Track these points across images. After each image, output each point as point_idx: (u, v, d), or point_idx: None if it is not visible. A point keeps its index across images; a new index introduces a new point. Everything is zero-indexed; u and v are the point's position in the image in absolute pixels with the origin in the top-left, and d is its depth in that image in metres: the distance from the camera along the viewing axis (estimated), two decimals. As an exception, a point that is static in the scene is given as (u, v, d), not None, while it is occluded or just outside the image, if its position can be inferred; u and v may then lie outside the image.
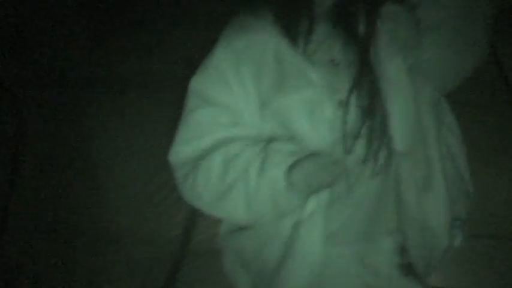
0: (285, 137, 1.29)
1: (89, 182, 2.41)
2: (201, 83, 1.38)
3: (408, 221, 1.28)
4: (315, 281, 1.29)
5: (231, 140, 1.31)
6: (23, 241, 2.27)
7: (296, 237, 1.27)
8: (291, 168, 1.20)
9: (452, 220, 1.44)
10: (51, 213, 2.30)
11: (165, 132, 2.63)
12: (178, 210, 2.49)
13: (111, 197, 2.42)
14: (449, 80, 1.39)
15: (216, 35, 2.43)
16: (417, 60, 1.22)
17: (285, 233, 1.32)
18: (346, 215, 1.32)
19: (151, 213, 2.47)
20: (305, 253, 1.25)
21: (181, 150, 1.47)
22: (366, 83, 1.22)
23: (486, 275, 2.26)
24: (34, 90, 2.38)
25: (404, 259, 1.39)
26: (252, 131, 1.33)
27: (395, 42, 1.20)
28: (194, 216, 2.51)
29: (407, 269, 1.39)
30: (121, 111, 2.51)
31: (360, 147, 1.27)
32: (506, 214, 2.24)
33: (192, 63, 2.64)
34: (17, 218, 2.31)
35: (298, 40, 1.27)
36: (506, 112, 2.24)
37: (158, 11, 2.44)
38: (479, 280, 2.30)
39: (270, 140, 1.29)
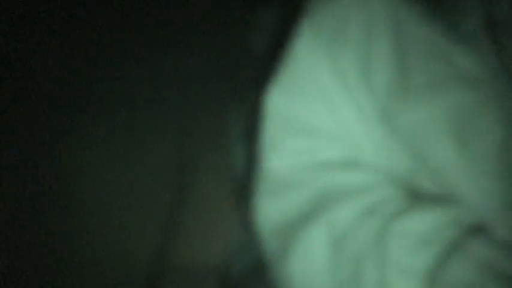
0: (423, 182, 0.74)
1: (60, 200, 2.34)
2: (282, 102, 0.84)
3: None
4: None
5: (339, 194, 0.79)
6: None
7: None
8: (430, 274, 0.68)
9: None
10: (22, 232, 2.24)
11: (135, 152, 2.62)
12: (152, 228, 2.43)
13: (83, 216, 2.34)
14: None
15: (181, 54, 2.50)
16: None
17: None
18: None
19: (124, 232, 2.42)
20: None
21: (268, 206, 0.88)
22: None
23: None
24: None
25: None
26: (371, 170, 0.80)
27: None
28: (168, 234, 2.48)
29: None
30: (90, 131, 2.46)
31: None
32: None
33: (158, 84, 2.69)
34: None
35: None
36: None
37: (123, 32, 2.44)
38: None
39: (397, 202, 0.74)
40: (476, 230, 0.65)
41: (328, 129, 0.79)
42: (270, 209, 0.85)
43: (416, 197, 0.71)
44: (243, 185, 1.01)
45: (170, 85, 2.44)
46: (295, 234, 0.78)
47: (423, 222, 0.67)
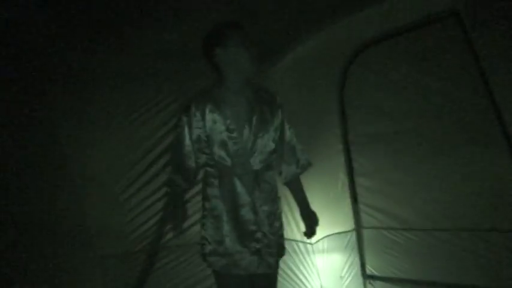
0: None
1: (58, 177, 2.39)
2: None
3: None
4: None
5: None
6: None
7: None
8: None
9: None
10: (19, 209, 2.26)
11: (136, 127, 2.53)
12: (149, 206, 2.54)
13: (81, 193, 2.42)
14: None
15: (189, 26, 2.44)
16: None
17: None
18: None
19: (121, 209, 2.47)
20: None
21: None
22: None
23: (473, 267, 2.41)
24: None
25: None
26: None
27: None
28: (165, 212, 2.57)
29: None
30: (92, 105, 2.47)
31: None
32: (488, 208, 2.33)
33: (164, 56, 2.47)
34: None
35: None
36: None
37: (128, 5, 2.37)
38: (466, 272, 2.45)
39: None
40: None
41: None
42: None
43: None
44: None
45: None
46: None
47: None
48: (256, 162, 1.85)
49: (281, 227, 1.97)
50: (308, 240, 3.00)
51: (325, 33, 2.56)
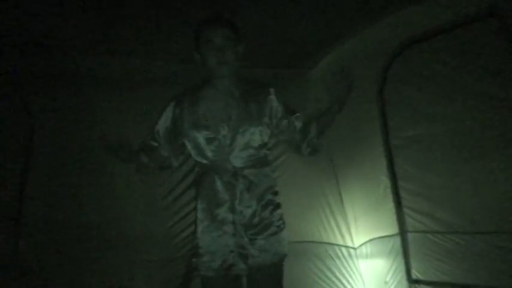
0: None
1: (101, 184, 2.46)
2: None
3: None
4: None
5: None
6: (36, 241, 2.31)
7: None
8: None
9: None
10: (64, 215, 2.33)
11: None
12: (189, 212, 2.55)
13: (124, 199, 2.48)
14: None
15: None
16: None
17: None
18: None
19: (163, 215, 2.51)
20: None
21: None
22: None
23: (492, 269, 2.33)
24: (43, 91, 2.40)
25: None
26: None
27: None
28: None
29: None
30: (132, 109, 2.55)
31: None
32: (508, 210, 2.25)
33: (185, 60, 2.63)
34: (30, 219, 2.34)
35: None
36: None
37: (148, 10, 2.39)
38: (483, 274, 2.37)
39: None
40: None
41: None
42: None
43: None
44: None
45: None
46: None
47: None
48: (237, 160, 1.80)
49: (268, 228, 1.82)
50: (351, 245, 2.97)
51: (365, 34, 2.53)
